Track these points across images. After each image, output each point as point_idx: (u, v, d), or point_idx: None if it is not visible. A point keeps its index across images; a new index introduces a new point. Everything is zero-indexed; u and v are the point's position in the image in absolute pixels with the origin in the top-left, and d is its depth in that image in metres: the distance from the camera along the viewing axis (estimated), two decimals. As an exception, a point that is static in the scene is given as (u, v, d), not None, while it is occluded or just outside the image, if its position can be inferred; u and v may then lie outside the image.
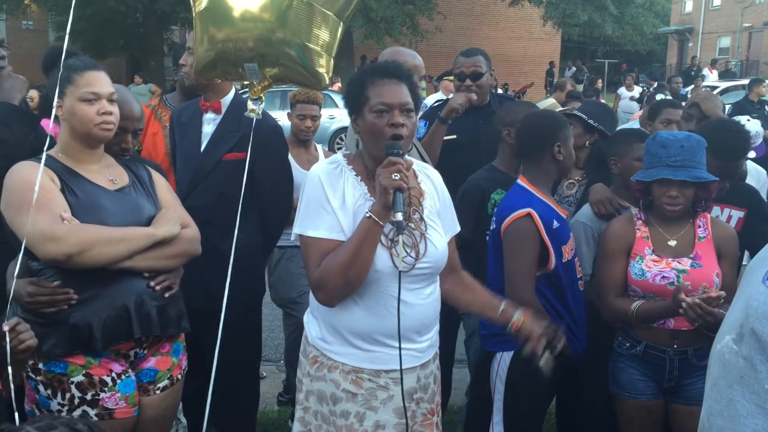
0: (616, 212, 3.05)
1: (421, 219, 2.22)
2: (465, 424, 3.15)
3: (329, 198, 2.14)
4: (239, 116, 3.11)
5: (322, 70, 2.73)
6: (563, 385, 3.36)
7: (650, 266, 2.71)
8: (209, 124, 3.20)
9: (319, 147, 4.28)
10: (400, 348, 2.10)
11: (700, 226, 2.76)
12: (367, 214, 2.06)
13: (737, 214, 3.16)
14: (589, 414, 3.19)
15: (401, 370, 2.11)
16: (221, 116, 3.19)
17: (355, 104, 2.20)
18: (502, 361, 2.78)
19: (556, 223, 2.73)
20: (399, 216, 2.00)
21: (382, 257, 2.10)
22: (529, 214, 2.68)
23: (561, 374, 2.89)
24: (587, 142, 3.54)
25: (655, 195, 2.71)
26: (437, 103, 4.25)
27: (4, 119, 2.75)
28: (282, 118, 16.82)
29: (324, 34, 2.71)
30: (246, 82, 2.90)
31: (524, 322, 2.32)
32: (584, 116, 3.51)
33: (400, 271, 2.06)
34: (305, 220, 2.16)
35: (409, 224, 2.15)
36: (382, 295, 2.13)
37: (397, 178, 2.00)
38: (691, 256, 2.69)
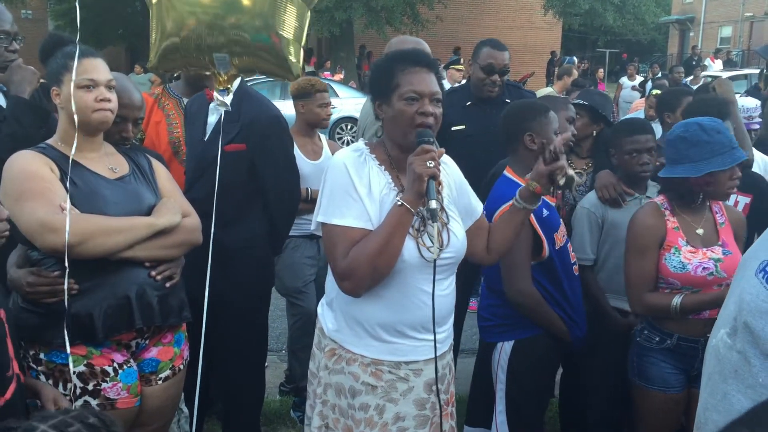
0: (620, 198, 3.07)
1: (442, 209, 2.21)
2: (467, 414, 3.14)
3: (356, 186, 2.10)
4: (240, 106, 3.06)
5: (293, 59, 2.63)
6: (566, 372, 3.36)
7: (689, 258, 2.65)
8: (213, 114, 3.17)
9: (322, 137, 4.26)
10: (435, 339, 2.10)
11: (717, 213, 2.73)
12: (399, 202, 2.03)
13: (744, 200, 3.19)
14: (593, 402, 3.19)
15: (435, 357, 2.11)
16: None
17: (382, 90, 2.16)
18: (503, 350, 2.79)
19: (545, 212, 2.74)
20: (433, 204, 1.99)
21: (408, 247, 2.08)
22: None
23: (562, 360, 2.90)
24: (594, 132, 3.53)
25: (720, 181, 2.62)
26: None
27: (14, 113, 2.73)
28: (283, 107, 16.73)
29: (294, 21, 2.60)
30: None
31: (534, 182, 2.28)
32: (592, 105, 3.50)
33: (435, 260, 2.06)
34: (330, 208, 2.11)
35: None
36: (407, 286, 2.11)
37: (431, 165, 1.99)
38: (720, 243, 2.66)
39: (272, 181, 3.17)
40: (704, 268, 2.63)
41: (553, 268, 2.74)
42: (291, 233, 3.88)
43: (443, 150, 2.11)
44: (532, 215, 2.65)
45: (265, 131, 3.11)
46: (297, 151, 3.94)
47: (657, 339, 2.74)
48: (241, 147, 3.07)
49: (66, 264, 2.18)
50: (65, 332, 2.21)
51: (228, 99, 2.73)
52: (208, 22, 2.55)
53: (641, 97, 11.86)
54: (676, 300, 2.63)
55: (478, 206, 2.40)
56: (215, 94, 2.75)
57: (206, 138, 3.12)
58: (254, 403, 3.41)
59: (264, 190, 3.16)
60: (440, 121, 2.17)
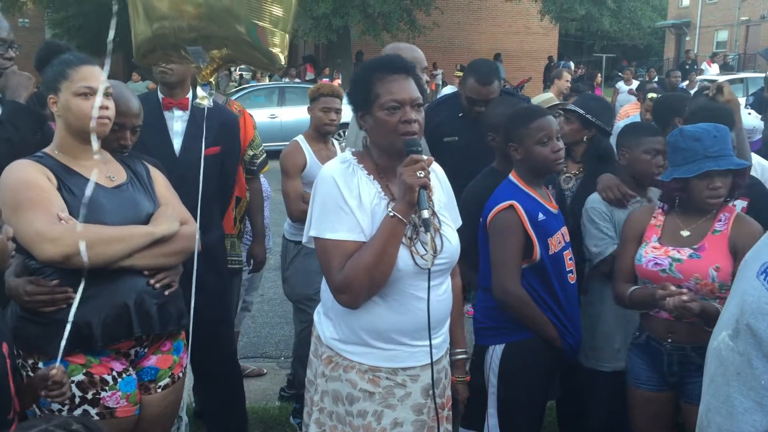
0: (623, 198, 3.07)
1: (434, 214, 2.20)
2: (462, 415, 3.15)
3: (346, 198, 2.10)
4: (205, 110, 3.11)
5: (276, 50, 2.48)
6: (561, 377, 3.35)
7: (647, 252, 2.72)
8: (178, 122, 3.21)
9: (335, 143, 4.24)
10: (431, 345, 2.10)
11: (720, 220, 2.71)
12: (391, 213, 2.03)
13: (740, 204, 3.18)
14: (592, 406, 3.19)
15: (432, 363, 2.13)
16: (189, 112, 3.21)
17: (362, 101, 2.16)
18: (495, 353, 2.80)
19: (541, 216, 2.75)
20: (425, 213, 2.00)
21: (403, 256, 2.08)
22: (512, 206, 2.71)
23: (557, 366, 2.90)
24: (585, 137, 3.50)
25: (695, 190, 2.64)
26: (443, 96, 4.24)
27: (10, 118, 2.72)
28: (280, 114, 16.58)
29: (276, 9, 2.44)
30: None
31: (459, 383, 2.52)
32: (582, 111, 3.47)
33: (429, 269, 2.06)
34: (322, 222, 2.11)
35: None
36: (403, 294, 2.12)
37: (422, 175, 1.99)
38: (695, 246, 2.67)
39: (230, 179, 3.43)
40: (656, 264, 2.68)
41: (545, 272, 2.76)
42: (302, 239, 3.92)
43: (432, 158, 2.11)
44: (525, 218, 2.68)
45: (234, 131, 3.36)
46: (312, 157, 3.96)
47: (636, 334, 2.85)
48: (216, 149, 3.19)
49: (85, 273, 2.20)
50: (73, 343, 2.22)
51: (210, 95, 2.64)
52: (178, 14, 2.40)
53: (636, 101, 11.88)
54: (630, 290, 2.74)
55: (458, 221, 2.40)
56: (198, 89, 2.69)
57: (178, 146, 3.17)
58: (236, 403, 3.53)
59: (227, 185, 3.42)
60: (423, 126, 2.17)
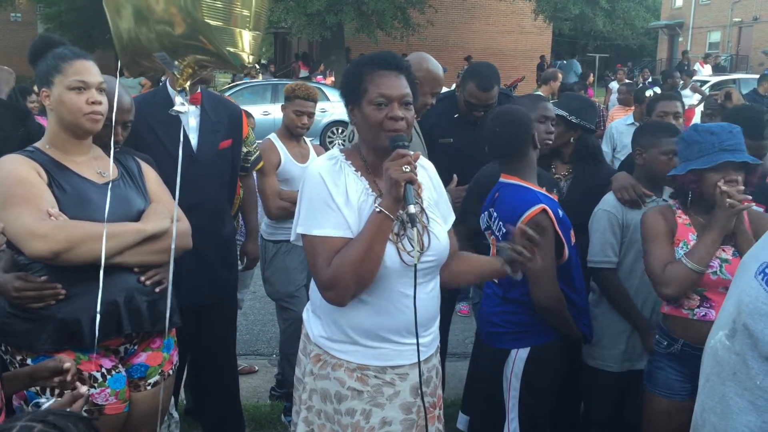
0: (639, 199, 3.03)
1: (422, 211, 2.19)
2: (471, 423, 3.12)
3: (333, 195, 2.09)
4: (213, 105, 3.20)
5: (234, 49, 2.32)
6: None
7: None
8: (192, 117, 3.18)
9: (308, 140, 4.24)
10: (417, 343, 2.09)
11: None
12: (378, 209, 2.02)
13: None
14: (594, 404, 3.19)
15: (419, 361, 2.10)
16: (200, 107, 3.20)
17: (352, 95, 2.15)
18: (518, 357, 2.77)
19: (560, 212, 2.75)
20: (412, 209, 1.97)
21: (390, 252, 2.06)
22: (544, 210, 2.66)
23: (571, 361, 2.91)
24: (572, 138, 3.48)
25: (708, 183, 2.60)
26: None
27: None
28: (273, 110, 16.59)
29: (245, 11, 2.30)
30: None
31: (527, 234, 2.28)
32: (566, 114, 3.45)
33: (415, 265, 2.04)
34: (309, 219, 2.10)
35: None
36: (390, 292, 2.10)
37: (407, 170, 1.98)
38: (733, 244, 2.63)
39: (238, 169, 3.44)
40: (708, 266, 2.59)
41: (569, 269, 2.75)
42: (282, 238, 3.90)
43: (419, 153, 2.10)
44: (554, 217, 2.66)
45: (240, 123, 3.38)
46: (286, 154, 3.97)
47: (665, 343, 2.73)
48: (229, 142, 3.22)
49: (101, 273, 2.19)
50: (96, 333, 2.24)
51: (187, 101, 2.54)
52: (138, 24, 2.28)
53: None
54: (683, 258, 2.58)
55: (450, 216, 2.38)
56: (177, 98, 2.53)
57: (195, 141, 3.15)
58: (233, 400, 3.53)
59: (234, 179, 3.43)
60: (412, 124, 2.15)
